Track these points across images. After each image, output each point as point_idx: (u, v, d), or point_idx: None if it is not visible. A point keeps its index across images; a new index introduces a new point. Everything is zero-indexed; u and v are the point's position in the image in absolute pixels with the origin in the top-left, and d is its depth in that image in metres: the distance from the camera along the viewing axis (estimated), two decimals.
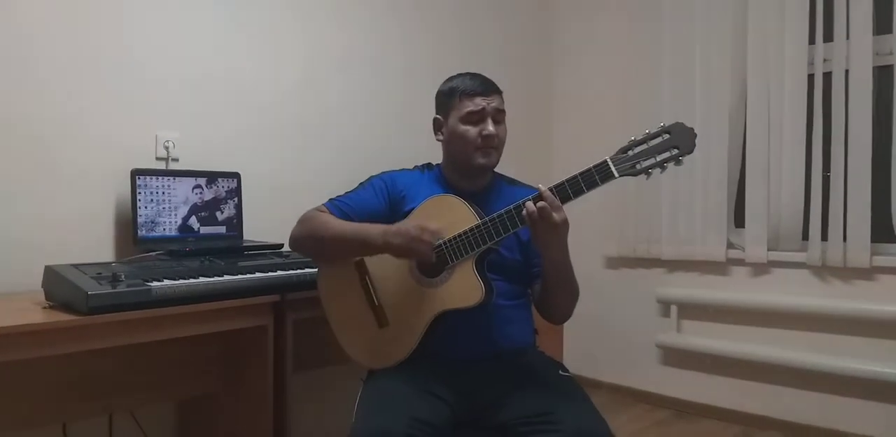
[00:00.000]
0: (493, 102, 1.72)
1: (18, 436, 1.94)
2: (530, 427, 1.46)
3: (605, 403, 3.37)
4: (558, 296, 1.66)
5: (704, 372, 3.23)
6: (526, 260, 1.75)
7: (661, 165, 1.44)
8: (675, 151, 1.43)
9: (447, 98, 1.78)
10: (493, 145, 1.72)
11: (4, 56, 1.94)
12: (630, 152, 1.45)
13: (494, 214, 1.53)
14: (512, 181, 1.89)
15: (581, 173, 1.47)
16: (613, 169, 1.44)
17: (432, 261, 1.58)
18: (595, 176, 1.45)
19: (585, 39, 3.70)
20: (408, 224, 1.57)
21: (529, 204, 1.46)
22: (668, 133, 1.44)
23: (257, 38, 2.52)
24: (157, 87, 2.25)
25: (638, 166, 1.44)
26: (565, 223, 1.47)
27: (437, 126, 1.82)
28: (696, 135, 1.44)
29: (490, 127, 1.70)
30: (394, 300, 1.66)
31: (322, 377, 2.56)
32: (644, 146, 1.45)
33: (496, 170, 1.87)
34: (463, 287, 1.57)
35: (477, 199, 1.69)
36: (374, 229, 1.61)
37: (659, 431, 3.03)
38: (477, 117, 1.72)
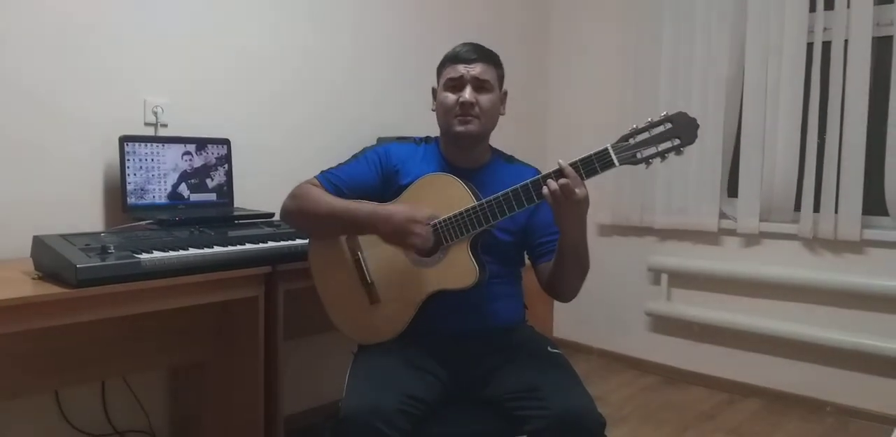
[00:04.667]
0: (474, 70, 1.68)
1: (10, 406, 1.95)
2: (518, 403, 1.48)
3: (594, 368, 3.43)
4: (571, 274, 1.62)
5: (692, 340, 3.27)
6: (519, 242, 1.74)
7: (662, 155, 1.43)
8: (677, 142, 1.42)
9: (439, 67, 1.77)
10: (470, 113, 1.67)
11: None
12: (631, 141, 1.43)
13: (492, 197, 1.52)
14: (510, 159, 1.85)
15: (581, 160, 1.44)
16: (614, 158, 1.43)
17: (426, 247, 1.57)
18: (595, 164, 1.44)
19: (583, 7, 3.63)
20: (398, 212, 1.55)
21: (551, 182, 1.43)
22: (671, 122, 1.42)
23: (243, 2, 2.45)
24: (145, 50, 2.20)
25: (638, 155, 1.43)
26: (587, 199, 1.45)
27: (434, 96, 1.79)
28: (698, 125, 1.43)
29: (467, 94, 1.66)
30: (386, 278, 1.65)
31: (313, 345, 2.59)
32: (646, 135, 1.43)
33: (494, 146, 1.85)
34: (457, 268, 1.57)
35: (473, 177, 1.67)
36: (362, 211, 1.59)
37: (647, 396, 3.09)
38: (456, 84, 1.69)
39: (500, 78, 1.77)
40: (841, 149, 2.74)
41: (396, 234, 1.54)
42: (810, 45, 2.81)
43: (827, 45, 2.77)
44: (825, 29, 2.78)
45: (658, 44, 3.23)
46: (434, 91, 1.79)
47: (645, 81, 3.27)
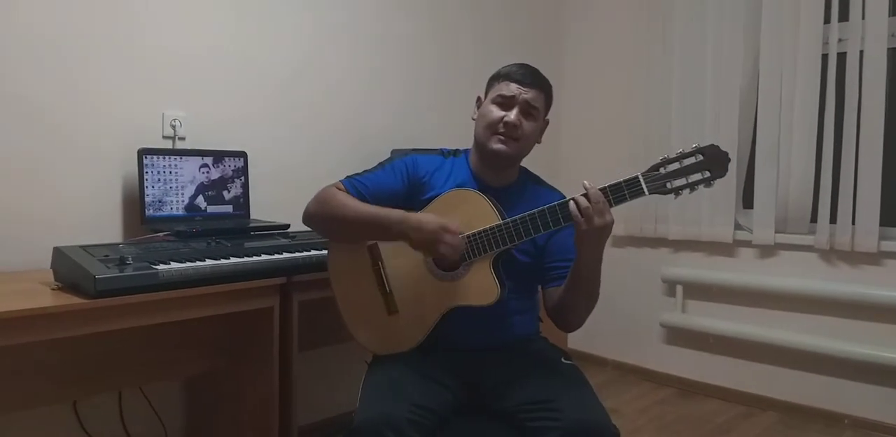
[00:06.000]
0: (527, 94, 1.67)
1: (29, 415, 1.97)
2: (531, 415, 1.48)
3: (609, 380, 3.41)
4: (580, 303, 1.61)
5: (708, 352, 3.25)
6: (537, 263, 1.72)
7: (692, 187, 1.45)
8: (707, 174, 1.44)
9: (492, 80, 1.76)
10: (512, 136, 1.66)
11: (11, 37, 1.93)
12: (662, 170, 1.45)
13: (518, 216, 1.53)
14: (538, 181, 1.84)
15: (611, 186, 1.46)
16: (644, 186, 1.45)
17: (454, 259, 1.57)
18: (625, 191, 1.46)
19: (596, 17, 3.65)
20: (430, 221, 1.53)
21: (581, 199, 1.45)
22: (702, 154, 1.44)
23: (264, 15, 2.49)
24: (164, 65, 2.24)
25: (668, 186, 1.45)
26: (611, 226, 1.46)
27: (477, 105, 1.78)
28: (729, 160, 1.45)
29: (513, 116, 1.66)
30: (405, 289, 1.66)
31: (327, 356, 2.60)
32: (676, 165, 1.45)
33: (526, 166, 1.84)
34: (479, 285, 1.57)
35: (500, 195, 1.66)
36: (392, 217, 1.58)
37: (662, 409, 3.07)
38: (505, 102, 1.68)
39: (548, 107, 1.76)
40: (857, 159, 2.72)
41: (427, 242, 1.53)
42: (825, 57, 2.81)
43: (842, 57, 2.77)
44: (840, 40, 2.78)
45: (671, 56, 3.23)
46: (479, 100, 1.78)
47: (658, 93, 3.28)
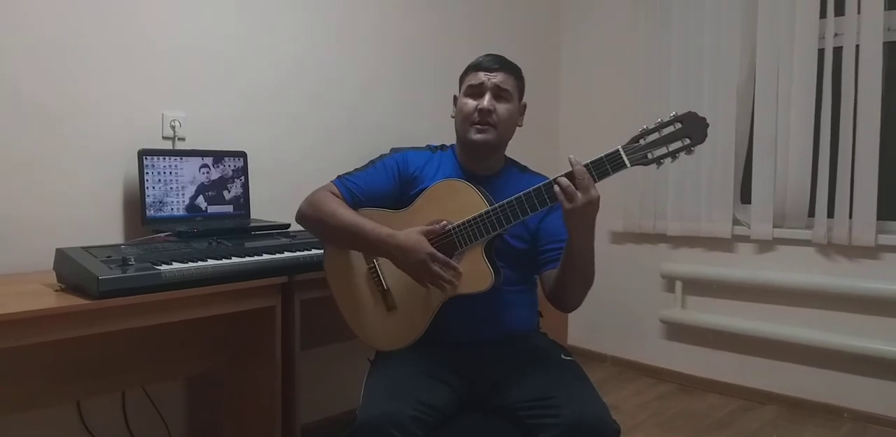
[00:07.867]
0: (495, 78, 1.70)
1: (33, 415, 1.98)
2: (531, 411, 1.49)
3: (609, 376, 3.42)
4: (575, 283, 1.62)
5: (707, 347, 3.27)
6: (533, 248, 1.74)
7: (673, 155, 1.45)
8: (687, 141, 1.44)
9: (462, 74, 1.80)
10: (489, 122, 1.69)
11: (12, 37, 1.93)
12: (642, 141, 1.45)
13: (504, 201, 1.53)
14: (524, 169, 1.86)
15: (593, 162, 1.46)
16: (626, 159, 1.45)
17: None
18: (607, 165, 1.46)
19: (593, 13, 3.65)
20: (419, 249, 1.54)
21: (563, 179, 1.45)
22: (681, 122, 1.44)
23: (262, 15, 2.49)
24: (163, 66, 2.24)
25: (650, 156, 1.45)
26: (597, 202, 1.46)
27: (454, 103, 1.80)
28: (708, 125, 1.45)
29: (485, 102, 1.68)
30: (402, 285, 1.66)
31: (330, 354, 2.61)
32: (656, 135, 1.45)
33: (509, 155, 1.86)
34: (473, 273, 1.58)
35: (488, 183, 1.68)
36: (378, 234, 1.59)
37: (662, 404, 3.08)
38: (476, 91, 1.71)
39: (521, 90, 1.78)
40: (854, 154, 2.74)
41: (413, 271, 1.56)
42: (821, 51, 2.82)
43: (838, 51, 2.78)
44: (836, 34, 2.78)
45: (668, 52, 3.24)
46: (455, 98, 1.81)
47: (655, 89, 3.28)
